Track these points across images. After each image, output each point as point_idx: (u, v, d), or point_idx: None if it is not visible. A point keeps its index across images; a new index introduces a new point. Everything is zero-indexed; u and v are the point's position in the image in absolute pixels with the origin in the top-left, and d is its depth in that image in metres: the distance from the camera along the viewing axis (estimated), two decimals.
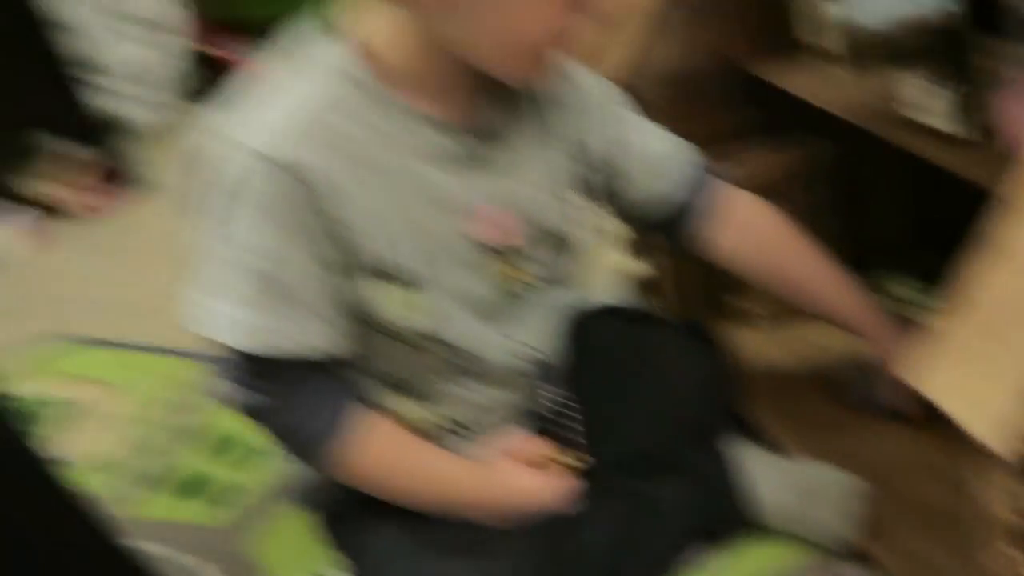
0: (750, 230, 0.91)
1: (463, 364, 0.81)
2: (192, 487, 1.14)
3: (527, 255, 0.81)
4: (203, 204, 0.73)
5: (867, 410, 0.96)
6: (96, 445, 1.26)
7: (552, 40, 0.72)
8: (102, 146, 2.05)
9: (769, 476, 0.89)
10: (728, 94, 1.06)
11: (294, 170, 0.69)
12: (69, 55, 1.96)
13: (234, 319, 0.73)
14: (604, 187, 0.88)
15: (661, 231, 0.92)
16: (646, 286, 1.18)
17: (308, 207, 0.70)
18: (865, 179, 1.08)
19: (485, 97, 0.77)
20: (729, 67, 1.05)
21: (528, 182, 0.80)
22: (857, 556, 0.86)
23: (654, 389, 0.92)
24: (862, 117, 0.88)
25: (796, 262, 0.91)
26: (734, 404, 0.97)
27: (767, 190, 1.04)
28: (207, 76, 2.56)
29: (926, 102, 0.80)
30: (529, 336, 0.85)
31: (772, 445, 0.97)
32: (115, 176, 2.06)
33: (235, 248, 0.72)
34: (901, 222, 1.16)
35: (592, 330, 1.06)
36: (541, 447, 0.87)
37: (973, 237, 0.54)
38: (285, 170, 0.69)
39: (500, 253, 0.79)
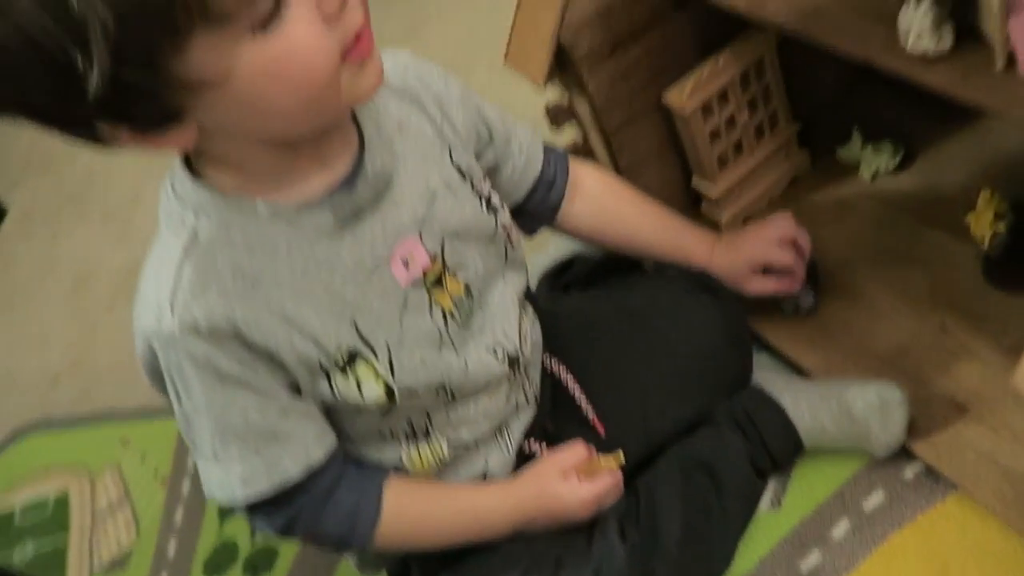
0: (593, 198, 0.95)
1: (449, 394, 0.80)
2: (222, 560, 1.10)
3: (454, 266, 0.78)
4: (157, 387, 0.74)
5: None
6: (104, 542, 1.19)
7: (345, 59, 0.62)
8: None
9: (804, 403, 0.90)
10: (663, 15, 1.02)
11: (191, 331, 0.67)
12: None
13: (227, 477, 0.73)
14: (486, 167, 0.85)
15: (518, 209, 0.92)
16: None
17: (221, 356, 0.68)
18: (805, 57, 1.04)
19: (333, 147, 0.71)
20: None
21: (418, 196, 0.76)
22: (909, 455, 0.87)
23: (675, 350, 0.93)
24: (798, 25, 0.84)
25: (633, 220, 0.96)
26: (749, 346, 0.98)
27: (725, 92, 1.03)
28: None
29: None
30: (498, 336, 0.82)
31: (797, 370, 0.97)
32: None
33: (189, 417, 0.72)
34: (843, 83, 1.15)
35: (579, 297, 1.05)
36: (580, 454, 0.86)
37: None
38: (182, 334, 0.67)
39: (428, 281, 0.77)
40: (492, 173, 0.86)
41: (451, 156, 0.79)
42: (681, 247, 0.97)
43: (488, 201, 0.82)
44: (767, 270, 0.95)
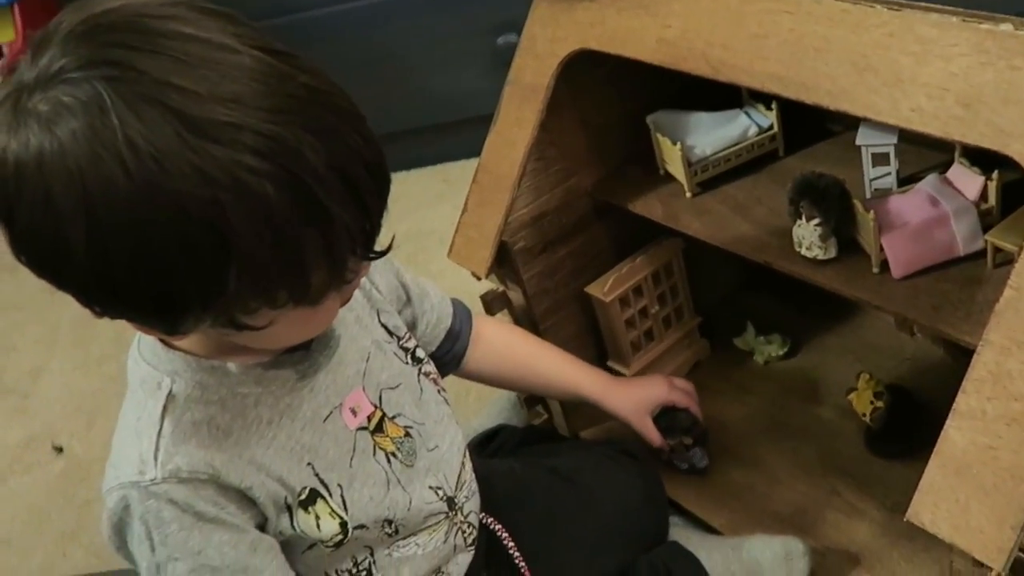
0: (491, 343, 1.06)
1: (393, 528, 0.87)
2: None
3: (392, 413, 0.87)
4: (120, 546, 0.78)
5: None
6: None
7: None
8: None
9: (717, 556, 1.01)
10: (588, 222, 1.19)
11: (174, 478, 0.74)
12: None
13: None
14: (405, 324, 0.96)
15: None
16: (530, 399, 1.26)
17: (199, 498, 0.75)
18: (706, 261, 1.23)
19: None
20: (587, 199, 1.17)
21: (358, 354, 0.86)
22: None
23: (600, 507, 1.03)
24: (707, 234, 1.04)
25: (529, 359, 1.08)
26: (666, 504, 1.10)
27: (640, 287, 1.19)
28: None
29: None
30: (439, 478, 0.90)
31: (708, 529, 1.09)
32: None
33: (162, 565, 0.76)
34: (737, 282, 1.35)
35: (509, 462, 1.14)
36: None
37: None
38: (165, 481, 0.74)
39: (372, 426, 0.86)
40: (410, 329, 0.96)
41: (379, 317, 0.90)
42: (575, 381, 1.08)
43: (412, 354, 0.92)
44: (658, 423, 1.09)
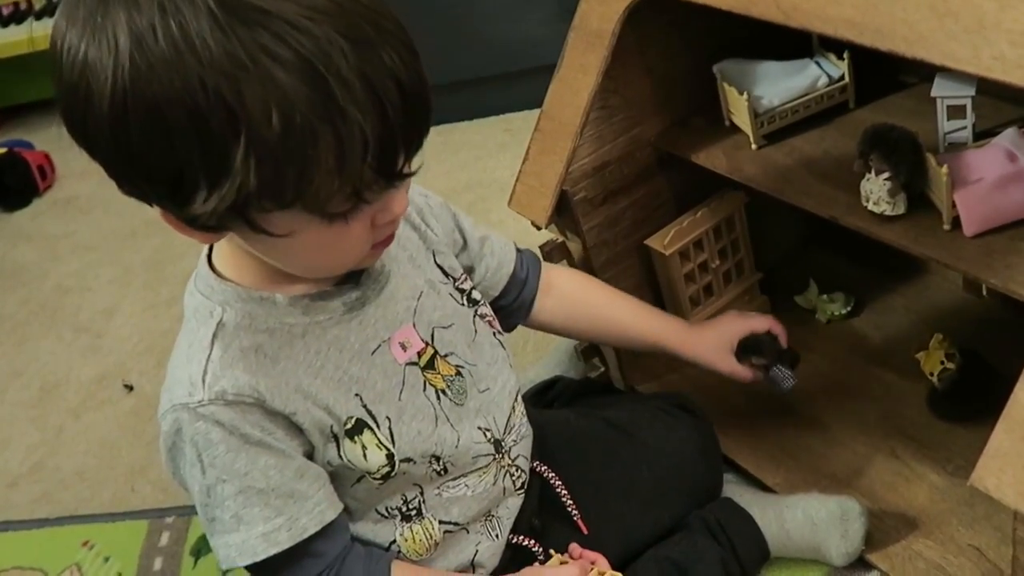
0: (564, 293, 1.04)
1: (441, 466, 0.87)
2: None
3: (444, 352, 0.88)
4: (175, 471, 0.81)
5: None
6: None
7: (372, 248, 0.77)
8: None
9: (771, 513, 1.01)
10: (650, 173, 1.17)
11: (220, 400, 0.76)
12: None
13: (248, 538, 0.79)
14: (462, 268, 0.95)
15: (494, 307, 1.00)
16: (587, 351, 1.25)
17: (245, 422, 0.77)
18: (768, 217, 1.21)
19: None
20: (650, 149, 1.15)
21: (409, 292, 0.87)
22: (866, 566, 0.98)
23: (654, 460, 1.02)
24: (772, 187, 1.01)
25: (604, 309, 1.05)
26: (720, 460, 1.08)
27: (701, 241, 1.17)
28: None
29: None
30: (488, 420, 0.91)
31: (763, 488, 1.08)
32: None
33: (212, 488, 0.78)
34: (801, 238, 1.32)
35: (565, 412, 1.14)
36: (584, 566, 0.92)
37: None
38: (212, 403, 0.76)
39: (422, 363, 0.86)
40: (467, 273, 0.96)
41: (435, 258, 0.91)
42: (654, 331, 1.05)
43: (468, 296, 0.92)
44: (744, 356, 1.04)
